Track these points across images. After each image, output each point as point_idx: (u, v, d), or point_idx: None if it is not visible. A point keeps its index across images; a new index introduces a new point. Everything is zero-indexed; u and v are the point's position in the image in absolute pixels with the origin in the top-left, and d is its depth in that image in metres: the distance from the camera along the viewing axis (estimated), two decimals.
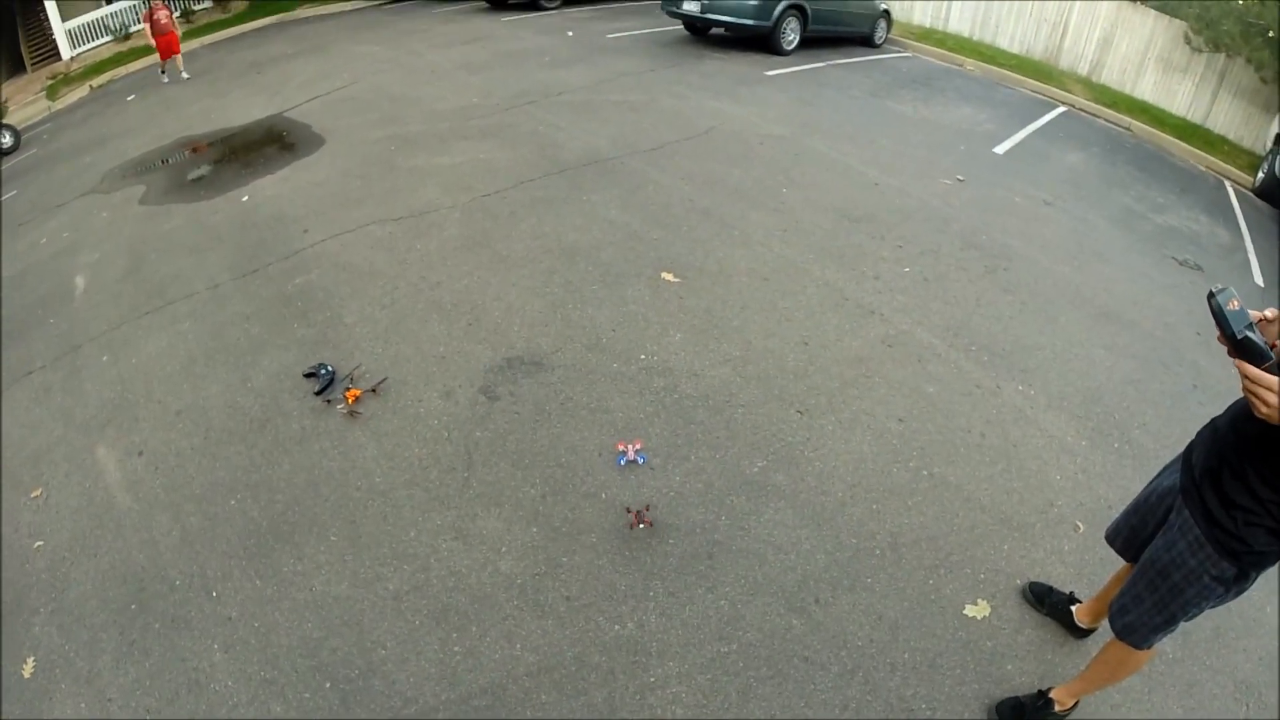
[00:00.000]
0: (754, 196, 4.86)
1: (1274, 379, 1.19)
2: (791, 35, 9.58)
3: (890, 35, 11.94)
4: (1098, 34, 12.47)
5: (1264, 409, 1.21)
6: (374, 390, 3.01)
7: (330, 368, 3.12)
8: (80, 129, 9.25)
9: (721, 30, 9.89)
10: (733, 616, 2.14)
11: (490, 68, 8.49)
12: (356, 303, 3.68)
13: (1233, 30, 10.25)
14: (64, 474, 2.87)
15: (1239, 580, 1.47)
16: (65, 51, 17.20)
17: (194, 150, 6.87)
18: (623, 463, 2.51)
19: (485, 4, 14.09)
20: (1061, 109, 9.58)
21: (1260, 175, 8.43)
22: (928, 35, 13.16)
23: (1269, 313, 1.33)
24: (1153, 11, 12.03)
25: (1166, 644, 2.16)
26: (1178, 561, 1.53)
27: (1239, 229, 6.72)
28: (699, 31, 10.47)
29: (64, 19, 17.08)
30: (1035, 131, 7.90)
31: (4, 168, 8.13)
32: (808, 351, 3.29)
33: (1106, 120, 9.99)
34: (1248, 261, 5.92)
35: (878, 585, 2.27)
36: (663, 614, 2.14)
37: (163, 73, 10.86)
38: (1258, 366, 1.22)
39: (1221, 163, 9.18)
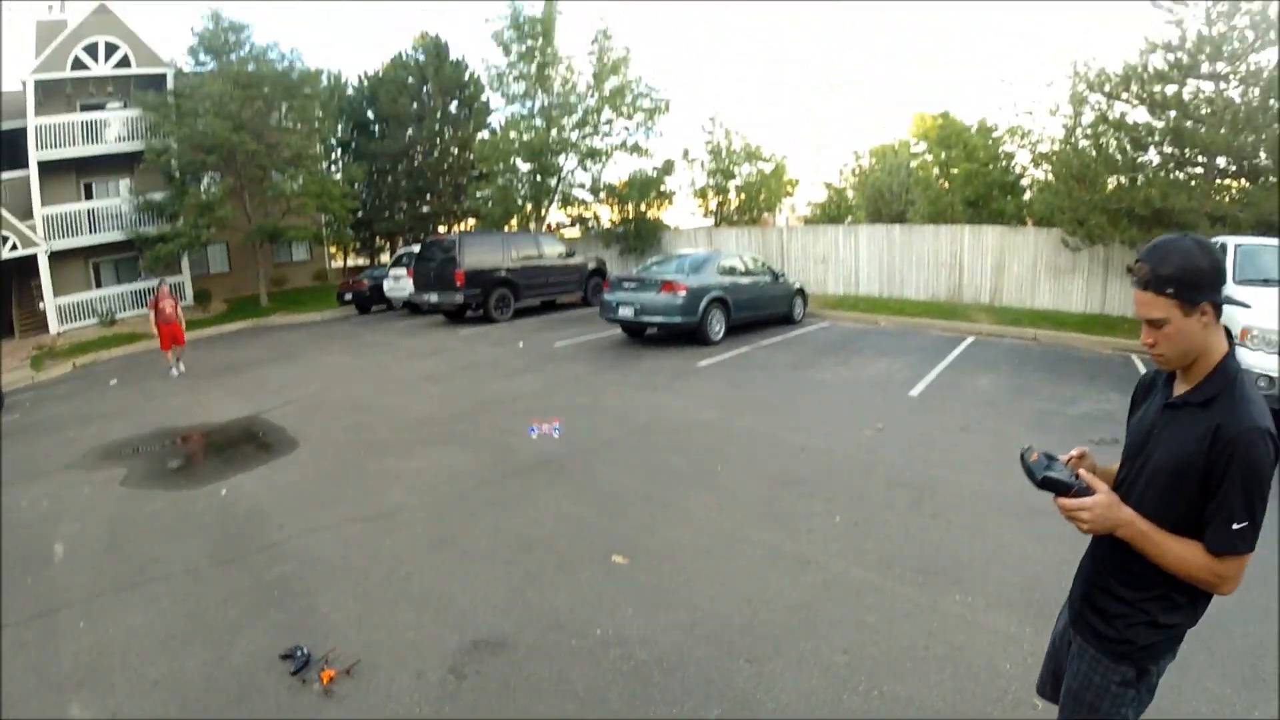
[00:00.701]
0: (692, 478, 5.79)
1: (1081, 500, 1.58)
2: (718, 326, 11.48)
3: (808, 310, 14.16)
4: (990, 263, 15.05)
5: (1085, 526, 1.60)
6: (348, 671, 3.42)
7: (306, 650, 3.56)
8: (63, 404, 10.33)
9: (655, 330, 11.78)
10: None
11: (449, 378, 10.02)
12: (331, 593, 4.23)
13: (1100, 221, 12.52)
14: None
15: (1142, 678, 1.76)
16: (54, 326, 19.58)
17: (175, 441, 7.90)
18: (534, 434, 2.83)
19: (443, 318, 16.48)
20: (970, 339, 11.32)
21: None
22: (842, 302, 15.61)
23: (1075, 451, 1.80)
24: (1031, 229, 14.75)
25: None
26: (1086, 683, 1.83)
27: None
28: (636, 333, 12.42)
29: (56, 294, 19.66)
30: (947, 367, 9.39)
31: None
32: (751, 607, 3.91)
33: (1013, 338, 11.74)
34: None
35: None
36: None
37: (170, 366, 11.92)
38: (1067, 495, 1.60)
39: (1124, 340, 10.75)
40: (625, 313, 11.53)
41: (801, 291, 14.01)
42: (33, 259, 19.14)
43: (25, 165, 19.62)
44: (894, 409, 7.57)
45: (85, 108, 21.52)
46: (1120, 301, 13.20)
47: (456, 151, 29.38)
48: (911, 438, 6.59)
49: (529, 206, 23.57)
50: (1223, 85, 12.37)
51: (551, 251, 17.67)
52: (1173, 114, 12.37)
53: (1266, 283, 7.62)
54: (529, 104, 23.00)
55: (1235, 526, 1.53)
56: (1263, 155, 11.83)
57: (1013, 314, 13.50)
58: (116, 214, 21.18)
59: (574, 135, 22.48)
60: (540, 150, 22.05)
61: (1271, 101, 11.64)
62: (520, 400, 8.50)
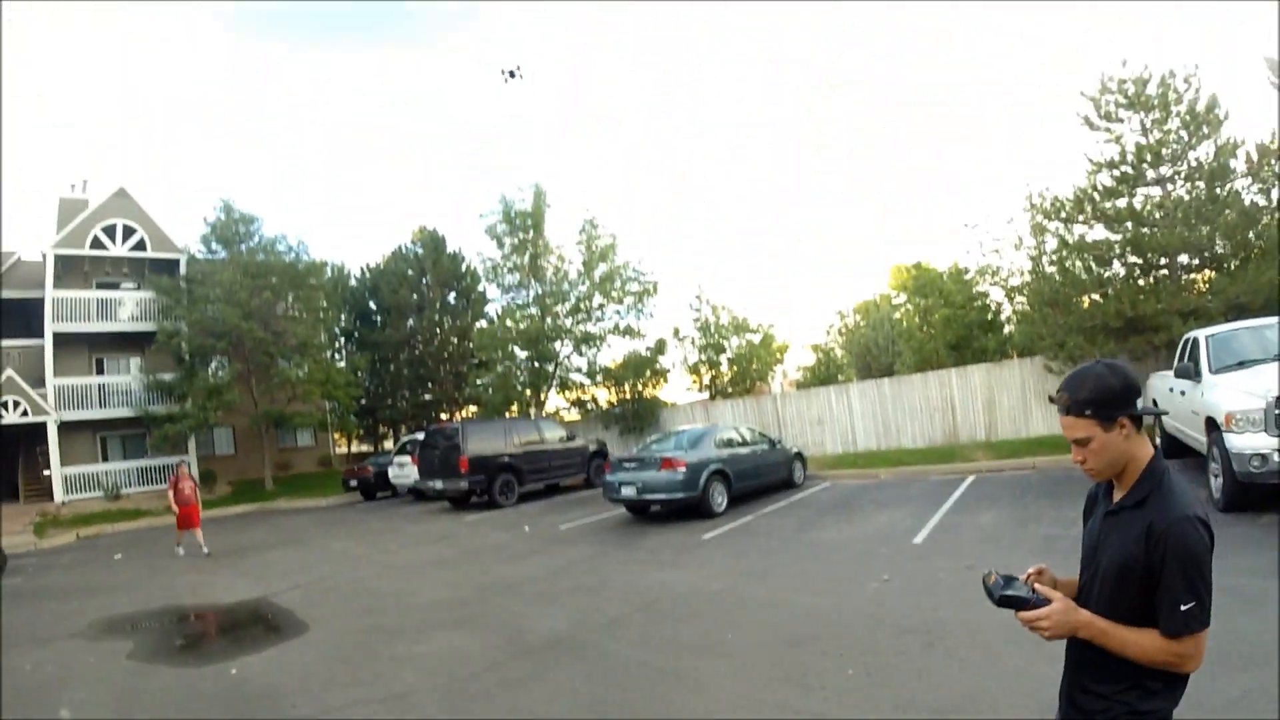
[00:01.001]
0: (703, 648, 5.88)
1: (1039, 611, 1.75)
2: (719, 498, 11.69)
3: (808, 472, 14.46)
4: (980, 401, 15.50)
5: (1046, 634, 1.77)
6: None
7: None
8: (67, 574, 10.36)
9: (658, 507, 12.01)
10: None
11: (457, 564, 10.13)
12: None
13: (1078, 341, 13.05)
14: None
15: None
16: (58, 494, 19.61)
17: (183, 619, 8.00)
18: None
19: (448, 504, 16.66)
20: (970, 479, 11.57)
21: (1157, 440, 10.06)
22: (841, 460, 15.95)
23: (1032, 569, 1.97)
24: (1015, 361, 15.31)
25: None
26: None
27: None
28: (640, 511, 12.57)
29: (63, 463, 19.78)
30: (949, 509, 9.60)
31: None
32: None
33: (1012, 470, 12.00)
34: None
35: None
36: None
37: (179, 545, 11.88)
38: (1025, 609, 1.76)
39: None
40: (628, 492, 11.80)
41: (800, 455, 14.37)
42: (42, 426, 19.76)
43: (41, 335, 20.75)
44: (899, 559, 7.73)
45: (101, 285, 23.10)
46: None
47: (456, 340, 30.85)
48: (918, 584, 6.73)
49: (528, 392, 24.45)
50: (1170, 187, 13.37)
51: (553, 436, 18.23)
52: (1129, 225, 13.25)
53: (1242, 365, 7.83)
54: (523, 293, 24.57)
55: (1183, 608, 1.68)
56: (1219, 243, 12.59)
57: (1010, 446, 13.82)
58: (127, 391, 22.06)
59: (568, 322, 23.80)
60: (536, 338, 23.26)
61: (1217, 189, 12.58)
62: (528, 584, 8.62)
